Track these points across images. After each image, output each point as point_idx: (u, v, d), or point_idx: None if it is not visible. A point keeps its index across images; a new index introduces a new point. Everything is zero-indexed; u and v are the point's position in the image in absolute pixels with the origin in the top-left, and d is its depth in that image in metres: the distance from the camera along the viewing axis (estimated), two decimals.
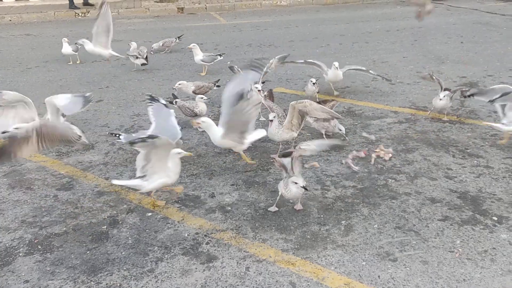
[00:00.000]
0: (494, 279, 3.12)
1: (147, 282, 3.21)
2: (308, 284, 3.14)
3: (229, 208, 4.09)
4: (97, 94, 7.55)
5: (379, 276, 3.19)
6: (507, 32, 11.31)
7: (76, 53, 9.50)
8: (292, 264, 3.35)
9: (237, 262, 3.38)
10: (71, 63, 9.60)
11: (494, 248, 3.44)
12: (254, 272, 3.27)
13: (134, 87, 7.91)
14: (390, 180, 4.49)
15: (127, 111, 6.71)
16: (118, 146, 5.49)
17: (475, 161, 4.81)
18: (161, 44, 10.29)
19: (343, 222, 3.83)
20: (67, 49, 9.39)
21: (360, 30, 12.37)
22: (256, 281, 3.19)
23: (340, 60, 9.20)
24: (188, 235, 3.73)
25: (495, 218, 3.80)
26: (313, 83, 6.40)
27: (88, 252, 3.55)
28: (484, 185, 4.34)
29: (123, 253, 3.53)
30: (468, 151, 5.05)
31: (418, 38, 11.05)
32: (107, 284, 3.20)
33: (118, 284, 3.19)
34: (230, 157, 5.10)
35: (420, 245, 3.50)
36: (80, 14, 16.18)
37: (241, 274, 3.26)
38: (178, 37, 10.59)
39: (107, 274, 3.30)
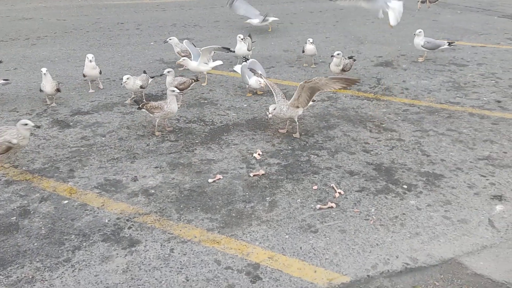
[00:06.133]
0: (403, 242, 3.37)
1: (63, 272, 3.04)
2: (233, 261, 3.17)
3: (153, 191, 3.99)
4: (3, 76, 6.91)
5: (301, 248, 3.31)
6: (419, 14, 12.08)
7: None
8: (217, 242, 3.35)
9: (161, 245, 3.32)
10: None
11: (404, 214, 3.71)
12: (178, 253, 3.24)
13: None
14: (312, 156, 4.64)
15: (39, 94, 6.21)
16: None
17: (389, 135, 5.12)
18: None
19: (267, 198, 3.90)
20: None
21: (285, 11, 12.51)
22: (180, 262, 3.16)
23: (265, 40, 9.31)
24: (108, 221, 3.58)
25: (405, 187, 4.09)
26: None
27: None
28: (396, 156, 4.64)
29: (36, 244, 3.30)
30: (383, 125, 5.36)
31: (340, 20, 11.43)
32: (18, 277, 2.99)
33: (31, 276, 2.99)
34: (154, 140, 4.96)
35: (339, 216, 3.67)
36: None
37: (165, 256, 3.21)
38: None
39: (18, 266, 3.08)
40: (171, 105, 4.96)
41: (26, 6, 12.53)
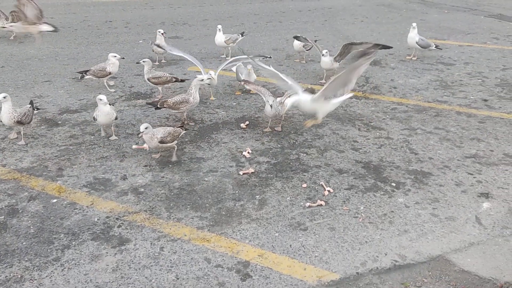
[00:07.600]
0: (392, 239, 3.41)
1: (52, 271, 3.02)
2: (223, 259, 3.18)
3: (142, 190, 3.97)
4: None
5: (290, 245, 3.33)
6: (406, 14, 12.20)
7: None
8: (207, 240, 3.36)
9: (151, 243, 3.31)
10: None
11: (392, 211, 3.75)
12: (168, 252, 3.23)
13: (34, 67, 7.27)
14: (302, 154, 4.66)
15: (27, 93, 6.15)
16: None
17: (378, 133, 5.17)
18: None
19: (257, 196, 3.92)
20: None
21: (274, 9, 12.54)
22: (170, 260, 3.16)
23: (255, 39, 9.31)
24: (98, 219, 3.56)
25: (394, 184, 4.14)
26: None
27: None
28: (385, 154, 4.69)
29: (24, 243, 3.28)
30: (371, 124, 5.40)
31: (328, 19, 11.48)
32: (6, 276, 2.96)
33: (19, 276, 2.96)
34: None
35: (329, 214, 3.70)
36: None
37: (155, 254, 3.21)
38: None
39: (6, 266, 3.05)
40: (195, 95, 5.08)
41: (12, 3, 12.33)
